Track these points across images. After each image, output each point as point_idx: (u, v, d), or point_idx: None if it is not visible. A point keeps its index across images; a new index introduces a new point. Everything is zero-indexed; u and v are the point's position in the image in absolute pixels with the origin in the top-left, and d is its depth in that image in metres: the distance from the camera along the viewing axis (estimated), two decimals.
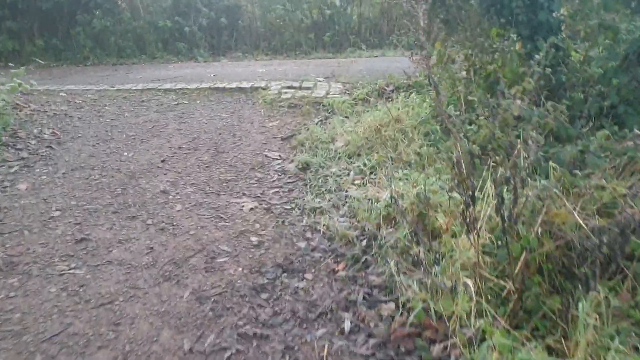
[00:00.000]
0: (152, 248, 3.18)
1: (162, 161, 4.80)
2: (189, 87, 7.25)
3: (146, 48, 13.11)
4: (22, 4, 11.79)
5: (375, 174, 4.15)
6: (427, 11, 5.67)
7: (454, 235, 2.66)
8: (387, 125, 4.84)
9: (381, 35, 13.77)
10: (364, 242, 3.08)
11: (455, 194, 2.79)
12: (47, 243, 3.26)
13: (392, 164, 4.26)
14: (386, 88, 6.83)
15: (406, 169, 4.12)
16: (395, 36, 13.51)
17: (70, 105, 6.62)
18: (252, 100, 6.65)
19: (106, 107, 6.53)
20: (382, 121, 4.90)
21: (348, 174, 4.24)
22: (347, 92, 6.75)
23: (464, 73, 5.66)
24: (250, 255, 3.06)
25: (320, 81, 7.30)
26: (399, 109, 5.16)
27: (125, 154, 5.02)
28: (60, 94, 7.20)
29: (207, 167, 4.67)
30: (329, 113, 6.04)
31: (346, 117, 5.84)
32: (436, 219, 2.83)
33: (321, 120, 5.84)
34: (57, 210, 3.76)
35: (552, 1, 4.59)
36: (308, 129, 5.44)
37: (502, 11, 4.83)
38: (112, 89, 7.52)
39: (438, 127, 4.77)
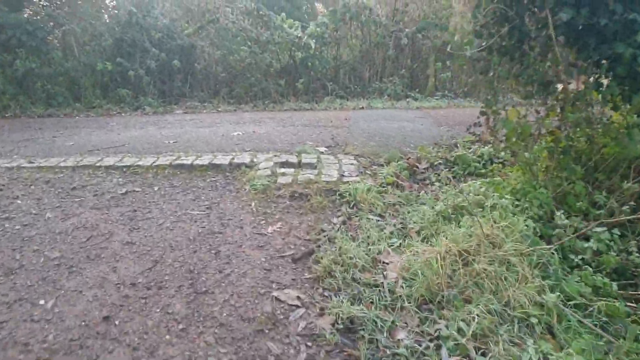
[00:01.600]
0: None
1: (105, 319, 2.87)
2: (141, 163, 5.30)
3: (81, 95, 11.06)
4: None
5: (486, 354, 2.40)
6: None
7: None
8: (478, 252, 3.12)
9: (362, 82, 12.31)
10: None
11: None
12: None
13: (506, 326, 2.55)
14: (418, 165, 5.19)
15: (529, 335, 2.45)
16: (378, 83, 12.09)
17: None
18: (234, 186, 4.80)
19: (17, 202, 4.49)
20: (468, 243, 3.18)
21: (437, 350, 2.48)
22: (367, 171, 5.04)
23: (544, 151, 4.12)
24: None
25: (323, 152, 5.58)
26: (488, 220, 3.46)
27: (42, 302, 3.05)
28: None
29: (182, 330, 2.77)
30: (352, 208, 4.28)
31: (380, 215, 4.12)
32: None
33: (344, 222, 4.08)
34: None
35: None
36: (330, 239, 3.66)
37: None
38: (30, 165, 5.47)
39: (555, 256, 3.11)
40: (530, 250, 3.08)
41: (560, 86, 3.94)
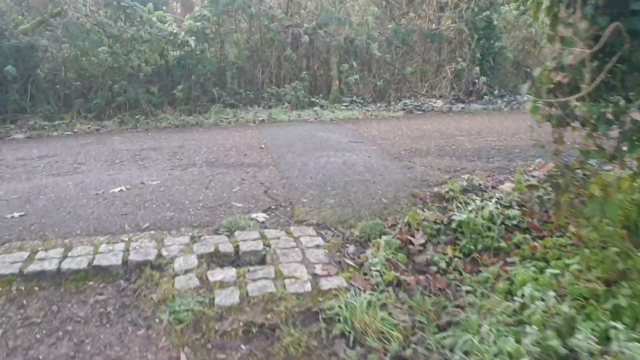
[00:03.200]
0: None
1: None
2: None
3: None
4: None
5: None
6: None
7: None
8: None
9: (255, 86, 10.53)
10: None
11: None
12: None
13: None
14: (412, 240, 3.65)
15: None
16: (275, 88, 10.39)
17: None
18: (140, 313, 2.89)
19: None
20: None
21: None
22: (345, 258, 3.41)
23: None
24: None
25: (264, 224, 3.81)
26: None
27: None
28: None
29: None
30: (353, 346, 2.65)
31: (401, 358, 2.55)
32: None
33: None
34: None
35: None
36: None
37: None
38: None
39: None
40: None
41: None
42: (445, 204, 4.15)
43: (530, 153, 5.51)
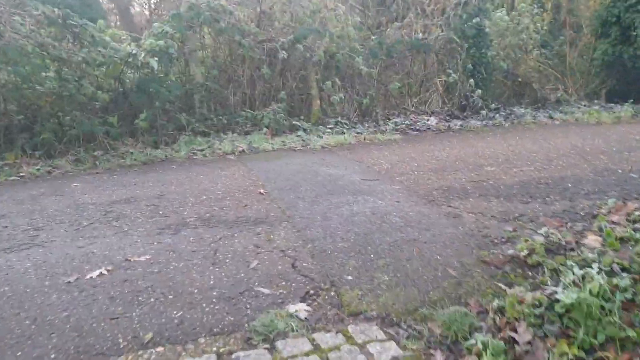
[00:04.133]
0: None
1: None
2: None
3: None
4: None
5: None
6: None
7: None
8: None
9: (227, 110, 9.52)
10: None
11: None
12: None
13: None
14: (515, 337, 2.77)
15: None
16: (250, 111, 9.41)
17: None
18: None
19: None
20: None
21: None
22: None
23: None
24: None
25: (307, 321, 2.83)
26: None
27: None
28: None
29: None
30: None
31: None
32: None
33: None
34: None
35: None
36: None
37: None
38: None
39: None
40: None
41: None
42: (531, 273, 3.28)
43: (588, 187, 4.74)
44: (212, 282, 3.22)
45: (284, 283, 3.18)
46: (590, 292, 2.89)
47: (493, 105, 9.88)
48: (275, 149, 7.93)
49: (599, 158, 5.99)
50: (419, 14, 10.27)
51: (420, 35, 10.01)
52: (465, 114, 9.86)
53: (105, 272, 3.44)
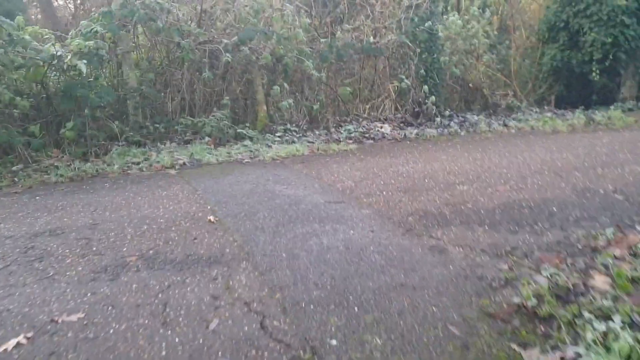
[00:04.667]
0: None
1: None
2: None
3: None
4: None
5: None
6: None
7: None
8: None
9: (165, 117, 8.77)
10: None
11: None
12: None
13: None
14: None
15: None
16: (190, 118, 8.71)
17: None
18: None
19: None
20: None
21: None
22: None
23: None
24: None
25: None
26: None
27: None
28: None
29: None
30: None
31: None
32: None
33: None
34: None
35: None
36: None
37: None
38: None
39: None
40: None
41: None
42: (544, 328, 2.84)
43: (575, 212, 4.39)
44: (164, 353, 2.59)
45: (254, 352, 2.59)
46: (620, 354, 2.48)
47: (447, 112, 9.58)
48: (221, 162, 7.28)
49: (574, 175, 5.71)
50: (369, 16, 9.83)
51: (372, 38, 9.57)
52: (418, 121, 9.52)
53: (25, 341, 2.74)
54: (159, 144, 8.23)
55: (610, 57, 10.70)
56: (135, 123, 8.41)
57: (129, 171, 6.99)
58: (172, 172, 6.81)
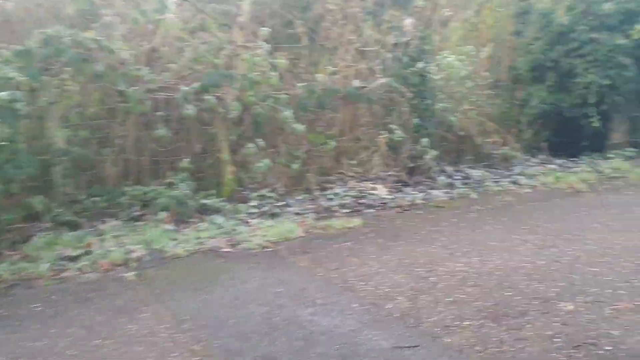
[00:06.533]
0: None
1: None
2: None
3: None
4: None
5: None
6: None
7: None
8: None
9: (105, 187, 6.86)
10: None
11: None
12: None
13: None
14: None
15: None
16: (139, 188, 6.85)
17: None
18: None
19: None
20: None
21: None
22: None
23: None
24: None
25: None
26: None
27: None
28: None
29: None
30: None
31: None
32: None
33: None
34: None
35: None
36: None
37: None
38: None
39: None
40: None
41: None
42: None
43: None
44: None
45: None
46: None
47: (451, 168, 8.26)
48: (192, 253, 5.50)
49: None
50: (352, 55, 8.42)
51: (358, 82, 8.13)
52: (414, 179, 8.12)
53: None
54: (98, 224, 6.31)
55: (608, 100, 9.85)
56: (64, 196, 6.45)
57: (63, 273, 5.07)
58: (130, 275, 4.97)
